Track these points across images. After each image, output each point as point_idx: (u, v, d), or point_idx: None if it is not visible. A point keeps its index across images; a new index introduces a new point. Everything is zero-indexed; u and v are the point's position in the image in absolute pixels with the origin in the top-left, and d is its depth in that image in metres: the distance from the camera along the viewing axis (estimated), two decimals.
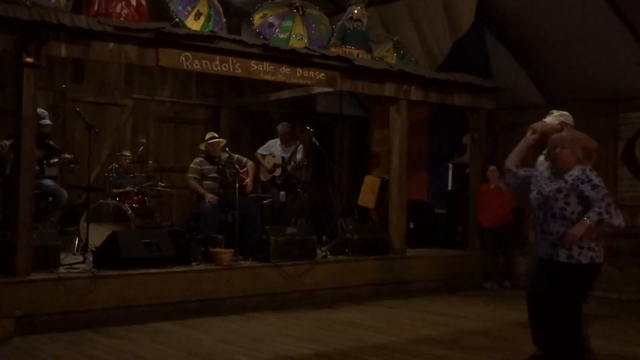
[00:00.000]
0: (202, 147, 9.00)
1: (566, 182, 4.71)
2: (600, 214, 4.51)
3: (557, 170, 4.82)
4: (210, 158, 8.90)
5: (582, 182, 4.64)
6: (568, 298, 4.69)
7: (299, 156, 9.97)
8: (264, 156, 10.15)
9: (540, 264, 4.85)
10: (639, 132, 9.68)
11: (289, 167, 9.92)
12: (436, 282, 9.40)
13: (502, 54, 10.51)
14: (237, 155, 9.09)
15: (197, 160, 8.97)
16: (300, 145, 10.13)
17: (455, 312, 7.93)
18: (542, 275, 4.80)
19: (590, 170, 4.70)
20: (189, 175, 8.85)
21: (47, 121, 8.33)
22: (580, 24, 9.37)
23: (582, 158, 4.77)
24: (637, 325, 7.40)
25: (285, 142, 10.14)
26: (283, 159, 10.04)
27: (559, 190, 4.71)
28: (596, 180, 4.62)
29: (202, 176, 8.83)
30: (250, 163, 9.28)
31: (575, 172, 4.70)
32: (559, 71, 10.26)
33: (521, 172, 5.06)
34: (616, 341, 6.46)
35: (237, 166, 8.72)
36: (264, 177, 10.09)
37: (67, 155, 8.51)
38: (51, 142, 8.41)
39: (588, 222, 4.53)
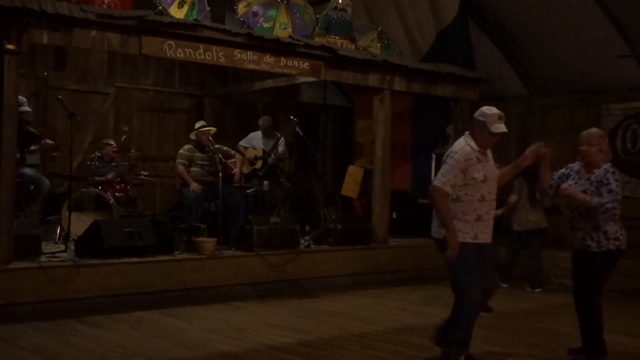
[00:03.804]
0: (193, 136, 9.02)
1: (591, 183, 5.21)
2: (601, 206, 5.13)
3: (586, 166, 5.32)
4: (200, 146, 8.90)
5: (602, 185, 5.15)
6: (599, 282, 5.35)
7: (280, 149, 10.01)
8: (245, 148, 10.17)
9: (575, 255, 5.46)
10: (620, 123, 9.75)
11: (270, 160, 9.96)
12: (419, 271, 9.44)
13: (485, 45, 10.54)
14: (225, 147, 9.10)
15: (187, 146, 8.98)
16: (282, 139, 10.16)
17: (437, 301, 7.96)
18: (580, 264, 5.41)
19: (612, 171, 5.21)
20: (178, 160, 8.87)
21: (27, 108, 8.26)
22: (563, 15, 9.41)
23: (605, 152, 5.29)
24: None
25: (267, 136, 10.17)
26: (264, 151, 10.06)
27: (584, 192, 5.21)
28: (614, 184, 5.16)
29: (191, 163, 8.84)
30: (238, 155, 9.36)
31: (600, 172, 5.21)
32: (541, 62, 10.30)
33: (556, 179, 5.46)
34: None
35: (220, 156, 8.72)
36: (245, 169, 10.09)
37: (48, 141, 8.43)
38: (31, 129, 8.33)
39: (587, 200, 5.16)
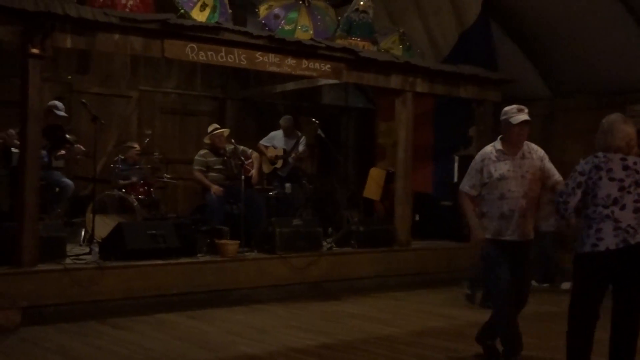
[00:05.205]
0: (207, 140, 9.01)
1: None
2: None
3: None
4: (215, 150, 8.91)
5: None
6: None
7: (300, 148, 10.01)
8: (266, 147, 10.18)
9: None
10: None
11: (290, 159, 9.96)
12: (441, 274, 9.39)
13: (508, 45, 10.47)
14: (242, 147, 9.10)
15: (202, 152, 8.98)
16: (303, 138, 10.14)
17: (460, 304, 7.93)
18: None
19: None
20: (194, 167, 8.87)
21: (63, 113, 8.37)
22: (587, 15, 9.33)
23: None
24: None
25: (288, 135, 10.17)
26: (285, 150, 10.06)
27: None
28: None
29: (207, 168, 8.84)
30: (255, 154, 9.31)
31: None
32: (565, 63, 10.22)
33: None
34: None
35: (242, 157, 8.73)
36: (266, 168, 10.11)
37: (80, 147, 8.47)
38: (67, 136, 8.42)
39: None
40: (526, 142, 5.24)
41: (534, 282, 9.11)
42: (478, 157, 5.29)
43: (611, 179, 4.33)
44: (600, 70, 9.80)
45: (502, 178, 5.11)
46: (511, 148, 5.17)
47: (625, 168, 4.35)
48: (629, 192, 4.32)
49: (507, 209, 5.09)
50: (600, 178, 4.35)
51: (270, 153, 10.12)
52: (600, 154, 4.40)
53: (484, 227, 5.20)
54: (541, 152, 5.29)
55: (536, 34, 10.17)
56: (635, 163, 4.38)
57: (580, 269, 4.48)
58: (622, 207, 4.32)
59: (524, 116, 5.11)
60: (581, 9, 9.29)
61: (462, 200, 5.32)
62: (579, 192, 4.38)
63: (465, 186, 5.30)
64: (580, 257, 4.45)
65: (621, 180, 4.33)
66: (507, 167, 5.13)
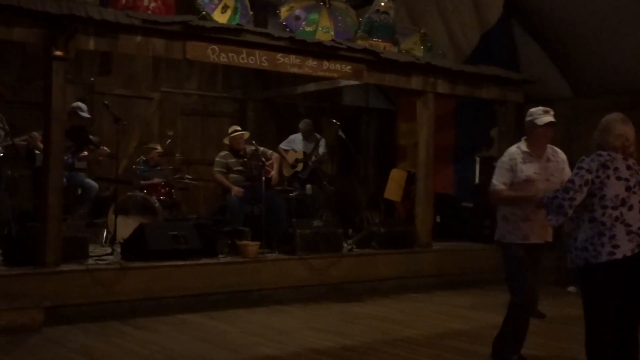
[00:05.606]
0: (226, 141, 9.07)
1: None
2: None
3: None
4: (234, 151, 8.96)
5: None
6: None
7: (320, 151, 10.00)
8: (286, 151, 10.18)
9: None
10: None
11: (310, 162, 9.96)
12: (463, 275, 9.35)
13: (530, 46, 10.40)
14: (262, 148, 9.13)
15: (222, 153, 9.03)
16: (322, 140, 10.14)
17: (481, 306, 7.89)
18: None
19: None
20: (215, 169, 8.91)
21: (87, 114, 8.45)
22: (609, 15, 9.24)
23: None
24: None
25: (307, 138, 10.17)
26: (305, 153, 10.06)
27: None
28: None
29: (228, 169, 8.88)
30: (275, 155, 9.34)
31: None
32: (587, 63, 10.13)
33: None
34: None
35: (262, 159, 8.75)
36: (286, 172, 10.12)
37: (105, 149, 8.54)
38: (91, 137, 8.49)
39: None
40: (549, 145, 5.22)
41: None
42: (505, 156, 5.23)
43: (618, 178, 4.21)
44: (624, 70, 9.70)
45: (528, 180, 5.09)
46: (536, 150, 5.15)
47: (628, 168, 4.27)
48: (634, 193, 4.22)
49: (532, 211, 5.04)
50: (608, 177, 4.21)
51: (291, 157, 10.12)
52: (604, 152, 4.29)
53: (508, 232, 5.16)
54: (563, 155, 5.30)
55: (559, 34, 10.09)
56: (634, 163, 4.31)
57: (596, 281, 4.25)
58: (630, 208, 4.20)
59: (549, 118, 5.08)
60: (604, 8, 9.20)
61: (499, 195, 5.14)
62: (585, 190, 4.23)
63: (499, 184, 5.15)
64: (595, 268, 4.21)
65: (627, 179, 4.23)
66: (534, 170, 5.11)
